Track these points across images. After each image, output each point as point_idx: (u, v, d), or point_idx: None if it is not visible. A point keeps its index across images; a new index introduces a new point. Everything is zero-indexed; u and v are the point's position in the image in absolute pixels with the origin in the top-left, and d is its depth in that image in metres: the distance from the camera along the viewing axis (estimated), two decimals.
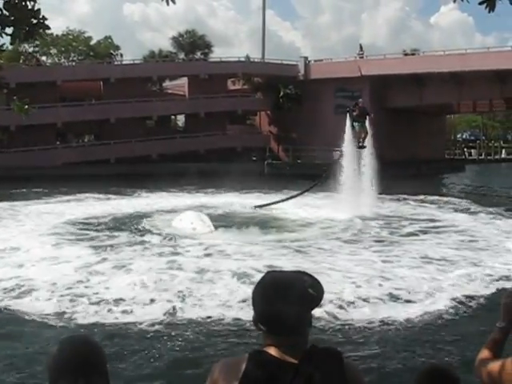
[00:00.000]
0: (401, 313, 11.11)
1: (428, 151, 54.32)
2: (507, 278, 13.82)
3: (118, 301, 11.68)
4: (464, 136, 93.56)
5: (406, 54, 58.99)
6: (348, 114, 25.68)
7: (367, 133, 25.28)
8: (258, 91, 54.03)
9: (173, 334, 9.98)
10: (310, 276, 2.55)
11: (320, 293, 2.51)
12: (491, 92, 50.75)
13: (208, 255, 16.25)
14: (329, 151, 49.05)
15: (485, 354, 3.00)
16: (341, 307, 11.23)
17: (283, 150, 52.73)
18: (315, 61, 56.42)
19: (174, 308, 11.21)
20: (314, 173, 43.75)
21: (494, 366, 2.84)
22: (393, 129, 51.10)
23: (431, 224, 22.57)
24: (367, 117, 25.60)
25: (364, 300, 11.76)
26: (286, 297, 2.39)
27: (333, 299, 11.42)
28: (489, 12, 4.87)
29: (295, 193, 28.61)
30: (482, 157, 79.28)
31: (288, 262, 14.98)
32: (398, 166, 43.17)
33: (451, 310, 11.40)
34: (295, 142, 50.84)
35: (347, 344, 9.49)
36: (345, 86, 52.05)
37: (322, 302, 2.59)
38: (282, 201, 26.76)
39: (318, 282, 2.53)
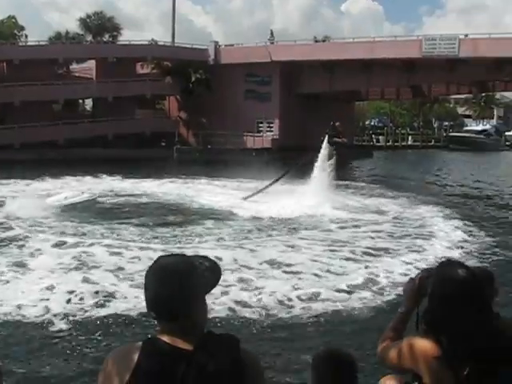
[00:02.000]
0: (342, 304, 11.47)
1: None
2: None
3: None
4: (372, 123, 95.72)
5: (316, 41, 59.72)
6: (327, 136, 26.24)
7: (332, 157, 25.89)
8: (168, 75, 53.44)
9: None
10: (208, 259, 2.51)
11: (216, 276, 2.48)
12: (399, 80, 52.19)
13: None
14: (239, 136, 49.36)
15: (386, 340, 3.03)
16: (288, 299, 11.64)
17: (193, 136, 52.47)
18: (226, 46, 56.44)
19: None
20: (224, 158, 44.17)
21: (393, 352, 2.87)
22: (303, 115, 51.79)
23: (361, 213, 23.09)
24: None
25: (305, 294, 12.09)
26: (174, 281, 2.33)
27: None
28: None
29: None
30: (390, 143, 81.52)
31: None
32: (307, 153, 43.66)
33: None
34: (205, 127, 50.64)
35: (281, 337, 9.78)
36: (255, 72, 52.36)
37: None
38: (266, 188, 26.53)
39: (216, 265, 2.51)
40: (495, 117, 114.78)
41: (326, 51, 50.50)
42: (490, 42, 44.89)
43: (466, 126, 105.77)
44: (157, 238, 17.61)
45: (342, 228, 19.83)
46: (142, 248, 16.01)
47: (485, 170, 53.59)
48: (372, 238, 18.25)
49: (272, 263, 14.66)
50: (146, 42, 53.74)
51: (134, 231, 18.46)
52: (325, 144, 26.31)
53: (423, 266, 13.71)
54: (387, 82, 54.22)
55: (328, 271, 13.93)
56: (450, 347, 2.63)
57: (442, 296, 2.70)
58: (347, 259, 15.27)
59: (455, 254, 15.81)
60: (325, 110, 55.02)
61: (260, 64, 50.80)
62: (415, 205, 25.85)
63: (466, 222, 21.22)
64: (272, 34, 55.17)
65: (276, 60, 50.76)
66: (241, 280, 12.88)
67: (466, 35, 47.43)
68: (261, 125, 52.97)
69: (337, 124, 26.90)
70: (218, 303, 11.01)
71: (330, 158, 25.94)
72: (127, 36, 61.25)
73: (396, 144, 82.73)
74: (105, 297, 11.56)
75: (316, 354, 3.22)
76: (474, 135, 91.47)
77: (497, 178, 44.72)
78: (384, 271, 13.93)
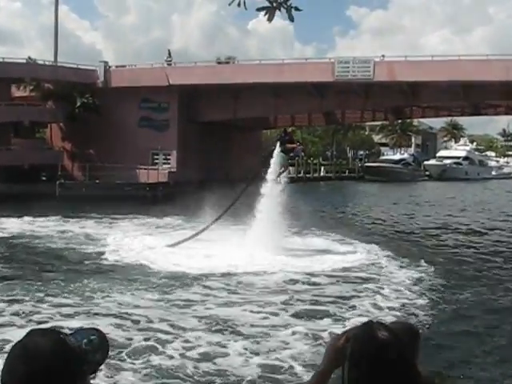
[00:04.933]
0: None
1: (243, 170, 55.32)
2: None
3: None
4: None
5: (219, 63, 60.33)
6: (279, 143, 25.52)
7: (287, 168, 25.33)
8: (50, 100, 52.46)
9: None
10: (92, 331, 2.37)
11: (102, 353, 2.33)
12: (310, 105, 53.36)
13: None
14: (131, 169, 48.94)
15: None
16: None
17: (79, 169, 51.60)
18: (117, 67, 56.30)
19: None
20: (114, 194, 43.63)
21: None
22: (205, 145, 51.91)
23: None
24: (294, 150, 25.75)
25: None
26: (42, 365, 2.13)
27: None
28: (268, 21, 5.07)
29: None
30: (301, 175, 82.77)
31: None
32: (209, 188, 43.65)
33: None
34: (93, 159, 50.01)
35: None
36: (151, 97, 52.47)
37: None
38: (196, 235, 25.43)
39: (102, 339, 2.35)
40: (413, 145, 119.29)
41: (231, 74, 51.09)
42: (406, 66, 46.95)
43: (383, 155, 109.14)
44: (48, 294, 16.46)
45: (290, 280, 19.60)
46: (29, 310, 15.02)
47: (403, 202, 55.57)
48: (320, 285, 18.61)
49: (206, 326, 14.23)
50: (23, 61, 52.76)
51: (15, 284, 17.51)
52: (277, 153, 25.43)
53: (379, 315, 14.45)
54: (297, 108, 55.35)
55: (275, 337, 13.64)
56: None
57: (363, 361, 2.66)
58: (294, 315, 15.24)
59: (408, 296, 17.00)
60: (228, 140, 55.64)
61: (156, 88, 50.85)
62: (348, 243, 26.67)
63: (406, 260, 22.60)
64: (170, 54, 55.33)
65: (174, 84, 51.00)
66: (165, 345, 12.59)
67: (383, 56, 49.18)
68: (156, 157, 52.99)
69: (289, 130, 26.52)
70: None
71: (283, 169, 25.29)
72: (1, 53, 59.74)
73: (308, 175, 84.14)
74: None
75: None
76: (390, 165, 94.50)
77: (416, 211, 46.78)
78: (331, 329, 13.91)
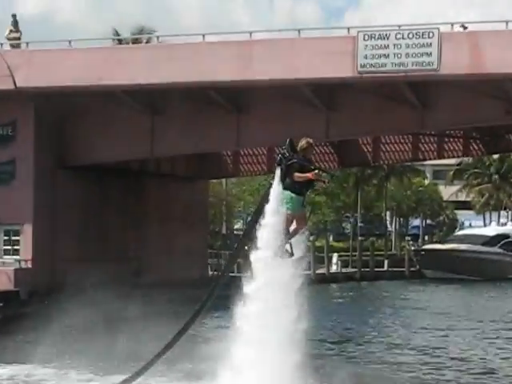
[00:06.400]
0: None
1: (168, 262, 54.91)
2: None
3: None
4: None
5: (120, 41, 60.26)
6: (279, 171, 22.98)
7: (304, 221, 23.45)
8: None
9: None
10: None
11: None
12: (307, 128, 51.34)
13: None
14: None
15: None
16: None
17: None
18: None
19: None
20: None
21: None
22: (93, 213, 51.07)
23: None
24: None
25: None
26: None
27: None
28: None
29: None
30: None
31: None
32: (109, 300, 42.85)
33: None
34: None
35: None
36: None
37: None
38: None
39: None
40: None
41: (144, 66, 49.62)
42: (507, 43, 45.11)
43: (462, 226, 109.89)
44: None
45: None
46: None
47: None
48: None
49: None
50: None
51: None
52: (276, 193, 22.93)
53: None
54: (281, 135, 53.15)
55: None
56: None
57: None
58: None
59: None
60: (144, 201, 54.72)
61: None
62: None
63: None
64: (16, 24, 54.21)
65: (27, 86, 49.96)
66: None
67: (463, 26, 47.49)
68: None
69: (303, 143, 24.03)
70: None
71: (296, 226, 22.65)
72: None
73: (306, 272, 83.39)
74: None
75: None
76: (477, 248, 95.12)
77: None
78: None
